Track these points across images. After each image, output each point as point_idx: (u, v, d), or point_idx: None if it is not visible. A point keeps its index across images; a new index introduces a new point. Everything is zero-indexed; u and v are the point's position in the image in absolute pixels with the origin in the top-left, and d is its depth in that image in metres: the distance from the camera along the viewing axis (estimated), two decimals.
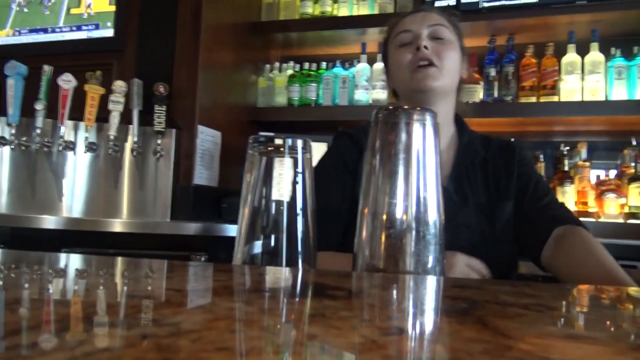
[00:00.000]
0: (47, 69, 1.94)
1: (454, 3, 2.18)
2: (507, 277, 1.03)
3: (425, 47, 1.06)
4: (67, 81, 1.90)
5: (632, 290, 0.61)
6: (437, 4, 2.20)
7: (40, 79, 1.92)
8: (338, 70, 2.43)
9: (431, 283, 0.50)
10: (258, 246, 0.57)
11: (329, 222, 1.02)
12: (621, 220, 1.96)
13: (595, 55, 2.04)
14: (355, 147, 1.12)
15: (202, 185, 2.04)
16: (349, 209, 1.05)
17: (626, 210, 1.97)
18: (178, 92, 2.01)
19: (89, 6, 2.19)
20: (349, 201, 1.06)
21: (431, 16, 1.11)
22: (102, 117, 1.89)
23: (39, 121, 1.88)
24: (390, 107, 0.60)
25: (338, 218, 1.05)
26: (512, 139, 2.12)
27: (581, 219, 2.02)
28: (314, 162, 0.63)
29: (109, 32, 2.14)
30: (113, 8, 2.14)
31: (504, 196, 1.07)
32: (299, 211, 0.58)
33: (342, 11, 2.42)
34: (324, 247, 0.99)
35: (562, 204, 1.09)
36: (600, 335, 0.30)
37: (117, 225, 1.74)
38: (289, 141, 0.59)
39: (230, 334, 0.25)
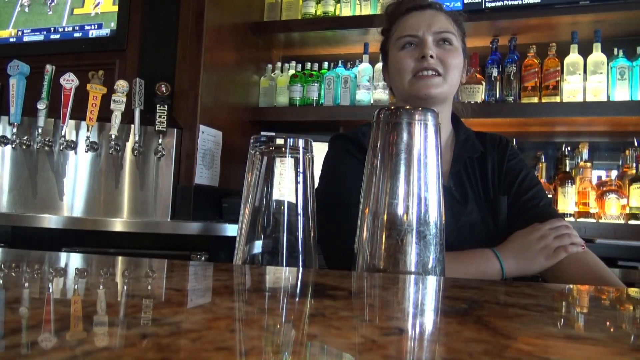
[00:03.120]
0: (49, 68, 1.94)
1: (459, 2, 2.18)
2: None
3: (431, 56, 1.01)
4: (69, 81, 1.90)
5: (632, 291, 0.61)
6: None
7: (43, 79, 1.92)
8: (340, 70, 2.43)
9: (431, 283, 0.50)
10: (258, 246, 0.57)
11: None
12: (622, 221, 1.96)
13: (597, 55, 2.04)
14: (357, 147, 1.09)
15: (203, 185, 2.04)
16: None
17: (627, 211, 1.97)
18: (180, 91, 2.01)
19: (97, 5, 2.18)
20: None
21: (439, 19, 1.05)
22: (104, 116, 1.89)
23: (41, 120, 1.89)
24: (392, 108, 0.60)
25: None
26: (514, 139, 2.14)
27: (582, 219, 2.03)
28: (316, 165, 0.63)
29: (111, 32, 2.15)
30: (116, 8, 2.15)
31: (501, 191, 1.07)
32: (299, 211, 0.58)
33: (345, 11, 2.42)
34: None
35: (544, 200, 1.07)
36: (600, 335, 0.30)
37: (118, 225, 1.74)
38: (291, 141, 0.59)
39: (230, 334, 0.25)
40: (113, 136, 1.87)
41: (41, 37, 2.25)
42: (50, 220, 1.73)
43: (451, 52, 1.04)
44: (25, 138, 1.92)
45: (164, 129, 1.91)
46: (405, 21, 1.07)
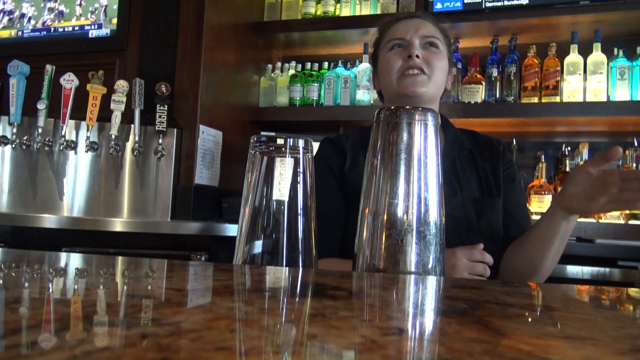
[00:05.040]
0: (49, 68, 1.94)
1: (459, 3, 2.17)
2: (492, 274, 1.05)
3: (417, 56, 1.08)
4: (69, 81, 1.90)
5: (632, 291, 0.61)
6: (440, 4, 2.19)
7: (43, 79, 1.92)
8: (340, 70, 2.43)
9: (431, 283, 0.50)
10: (258, 246, 0.57)
11: (328, 228, 1.04)
12: (622, 221, 1.96)
13: (597, 55, 2.04)
14: (338, 152, 1.13)
15: (203, 185, 2.04)
16: (344, 212, 1.06)
17: (627, 211, 1.97)
18: (180, 91, 2.01)
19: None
20: (343, 205, 1.07)
21: (426, 25, 1.12)
22: (104, 116, 1.89)
23: (41, 120, 1.88)
24: (392, 108, 0.60)
25: (336, 223, 1.06)
26: (514, 139, 2.14)
27: (582, 219, 2.04)
28: None
29: (111, 32, 2.15)
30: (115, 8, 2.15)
31: (491, 192, 1.11)
32: (299, 211, 0.58)
33: (344, 11, 2.42)
34: (325, 252, 1.00)
35: (524, 210, 1.16)
36: (600, 335, 0.30)
37: (118, 225, 1.74)
38: (290, 141, 0.59)
39: (230, 334, 0.25)
40: (113, 136, 1.87)
41: (41, 37, 2.25)
42: (50, 220, 1.73)
43: (436, 55, 1.10)
44: (25, 138, 1.92)
45: (164, 129, 1.91)
46: (394, 28, 1.15)
